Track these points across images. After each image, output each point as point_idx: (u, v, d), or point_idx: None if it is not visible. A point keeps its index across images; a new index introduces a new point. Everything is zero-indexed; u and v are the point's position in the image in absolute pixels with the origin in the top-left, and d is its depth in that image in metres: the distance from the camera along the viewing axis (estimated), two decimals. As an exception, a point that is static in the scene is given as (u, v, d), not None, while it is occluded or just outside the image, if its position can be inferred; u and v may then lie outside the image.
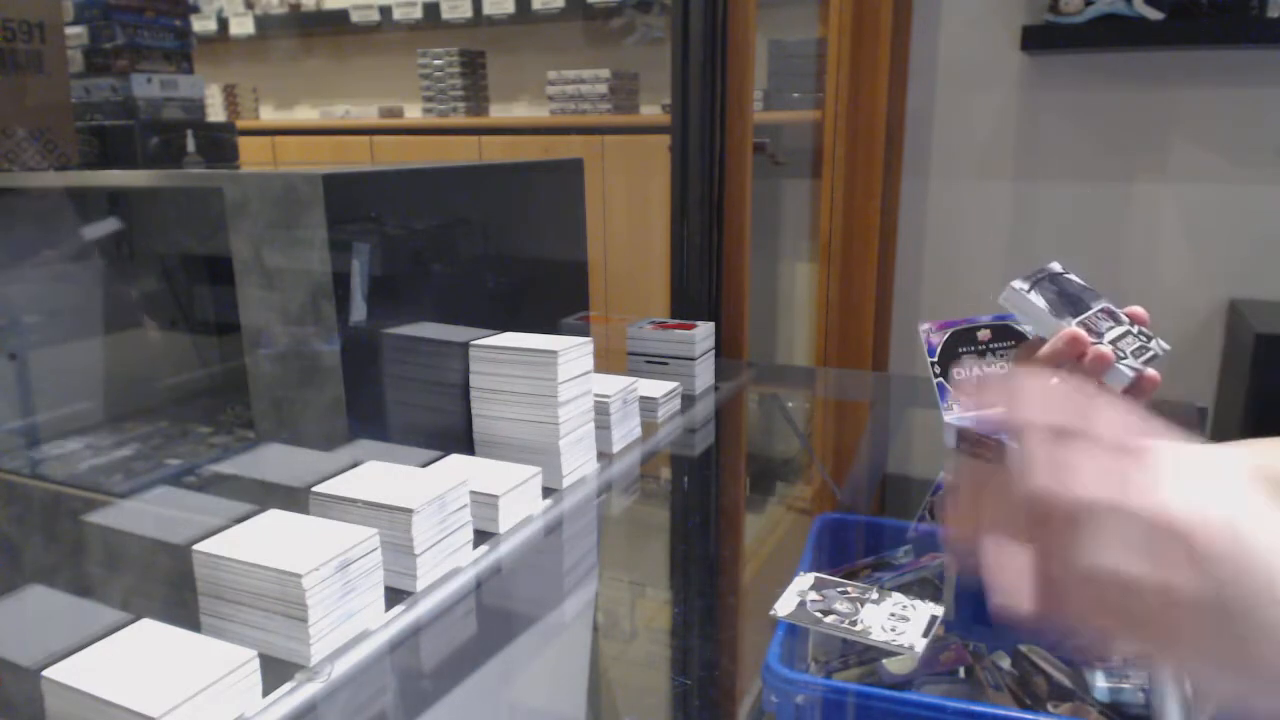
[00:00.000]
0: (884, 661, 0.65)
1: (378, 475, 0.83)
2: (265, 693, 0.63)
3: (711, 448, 1.24)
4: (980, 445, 0.63)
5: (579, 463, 1.02)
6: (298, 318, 0.89)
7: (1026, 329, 1.03)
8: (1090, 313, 0.73)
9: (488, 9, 2.99)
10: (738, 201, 1.56)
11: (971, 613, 0.72)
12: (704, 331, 1.36)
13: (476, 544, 0.85)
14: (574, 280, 1.33)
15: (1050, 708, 0.63)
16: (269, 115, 3.65)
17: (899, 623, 0.64)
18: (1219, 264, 2.04)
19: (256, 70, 3.60)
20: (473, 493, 0.85)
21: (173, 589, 0.81)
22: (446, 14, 3.07)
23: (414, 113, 3.25)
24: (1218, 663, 0.33)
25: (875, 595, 0.68)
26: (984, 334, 1.02)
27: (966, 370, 1.01)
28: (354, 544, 0.70)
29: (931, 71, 2.23)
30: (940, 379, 0.86)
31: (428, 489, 0.79)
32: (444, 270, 1.04)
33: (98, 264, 1.35)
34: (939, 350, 0.87)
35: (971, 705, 0.58)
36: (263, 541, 0.70)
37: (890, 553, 0.80)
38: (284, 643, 0.68)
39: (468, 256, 1.09)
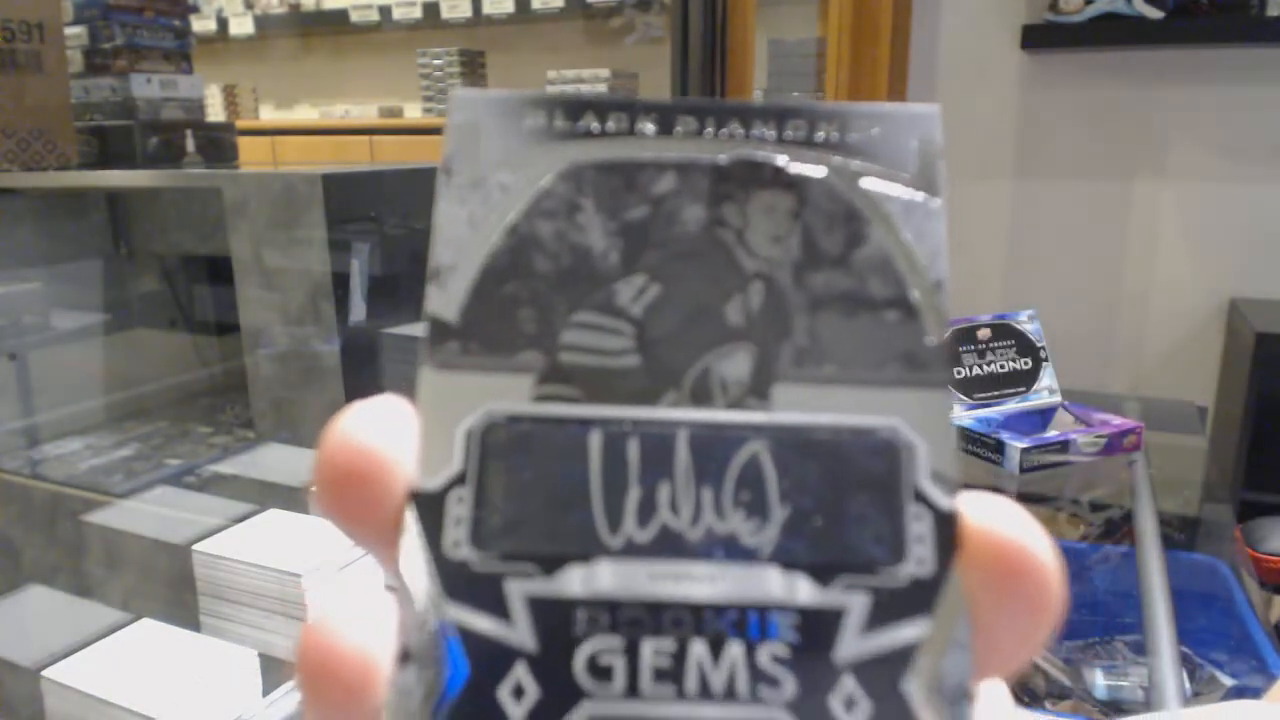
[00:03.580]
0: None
1: (377, 475, 0.83)
2: (265, 692, 0.63)
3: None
4: None
5: (579, 462, 1.02)
6: (298, 318, 0.89)
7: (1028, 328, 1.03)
8: None
9: (487, 9, 2.98)
10: (737, 201, 1.56)
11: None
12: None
13: (476, 544, 0.84)
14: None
15: (1048, 706, 0.63)
16: (269, 115, 3.65)
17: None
18: (1219, 264, 2.04)
19: (256, 70, 3.59)
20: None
21: (173, 589, 0.81)
22: (446, 14, 3.07)
23: (414, 112, 3.25)
24: None
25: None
26: (984, 333, 1.02)
27: (965, 369, 1.02)
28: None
29: (931, 71, 2.23)
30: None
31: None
32: (444, 270, 1.04)
33: (97, 264, 1.35)
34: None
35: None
36: (262, 541, 0.71)
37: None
38: (284, 643, 0.68)
39: (467, 256, 1.09)
